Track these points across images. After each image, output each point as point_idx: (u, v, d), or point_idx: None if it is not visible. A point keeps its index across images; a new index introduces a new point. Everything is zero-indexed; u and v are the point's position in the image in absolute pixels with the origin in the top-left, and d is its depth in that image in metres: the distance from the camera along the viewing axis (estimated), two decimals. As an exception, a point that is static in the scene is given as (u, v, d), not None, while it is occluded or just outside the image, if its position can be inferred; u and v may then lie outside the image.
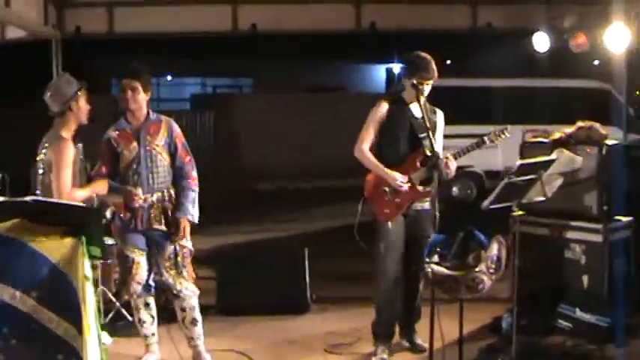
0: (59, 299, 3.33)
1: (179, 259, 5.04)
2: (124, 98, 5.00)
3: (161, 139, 5.05)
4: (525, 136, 9.07)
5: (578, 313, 5.63)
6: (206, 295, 6.61)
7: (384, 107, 5.28)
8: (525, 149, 6.07)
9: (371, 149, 5.28)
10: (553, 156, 4.85)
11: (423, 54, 5.21)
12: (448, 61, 19.87)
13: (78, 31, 8.28)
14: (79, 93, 4.77)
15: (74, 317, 3.31)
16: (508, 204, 4.70)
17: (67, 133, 4.75)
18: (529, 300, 5.61)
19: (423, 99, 5.10)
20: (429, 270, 4.30)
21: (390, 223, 5.17)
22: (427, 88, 5.17)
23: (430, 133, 4.98)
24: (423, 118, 5.04)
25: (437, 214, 4.84)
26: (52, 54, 8.16)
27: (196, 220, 5.14)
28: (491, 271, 4.21)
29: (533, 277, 5.71)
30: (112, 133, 5.07)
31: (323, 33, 9.14)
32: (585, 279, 5.67)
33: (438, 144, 5.22)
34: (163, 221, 5.02)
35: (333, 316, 6.40)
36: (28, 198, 3.61)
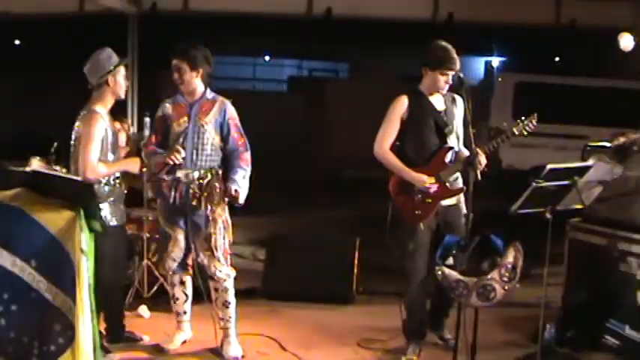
0: (57, 270, 3.38)
1: (213, 241, 5.04)
2: (173, 79, 5.03)
3: (212, 118, 5.03)
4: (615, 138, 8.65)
5: (628, 331, 5.29)
6: (256, 278, 6.71)
7: (404, 102, 5.05)
8: (587, 153, 5.78)
9: (391, 148, 5.05)
10: (589, 162, 4.56)
11: (444, 43, 4.99)
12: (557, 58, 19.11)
13: (154, 8, 8.39)
14: (117, 68, 4.82)
15: (70, 290, 3.35)
16: (540, 209, 4.45)
17: (102, 107, 4.80)
18: (576, 311, 5.35)
19: (445, 90, 4.95)
20: (440, 273, 4.13)
21: (421, 224, 4.98)
22: (449, 80, 4.98)
23: (457, 127, 4.86)
24: (446, 110, 4.88)
25: (470, 213, 4.61)
26: (128, 29, 8.32)
27: (242, 196, 5.01)
28: (505, 279, 4.00)
29: (582, 288, 5.44)
30: (167, 105, 5.09)
31: (399, 21, 8.90)
32: (639, 295, 5.34)
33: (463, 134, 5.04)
34: (202, 201, 5.00)
35: (377, 310, 6.26)
36: (28, 168, 3.66)
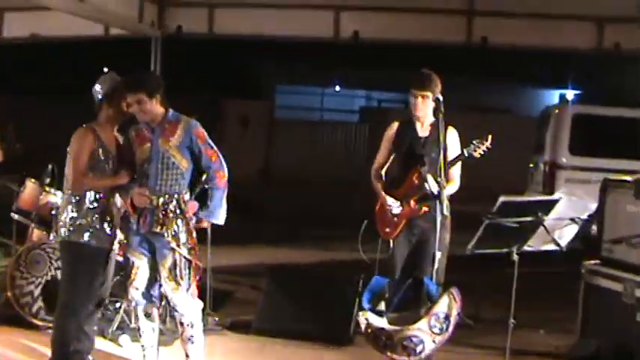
0: None
1: (177, 270, 4.71)
2: (134, 113, 4.77)
3: (177, 141, 4.75)
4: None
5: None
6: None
7: (393, 127, 5.30)
8: (607, 187, 5.18)
9: (387, 170, 5.32)
10: (555, 196, 3.97)
11: (425, 70, 5.07)
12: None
13: (179, 31, 8.24)
14: (114, 93, 4.81)
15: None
16: (500, 249, 3.90)
17: (99, 126, 4.84)
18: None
19: (422, 115, 5.04)
20: (364, 319, 3.60)
21: (391, 241, 5.08)
22: (419, 103, 5.03)
23: (434, 151, 4.79)
24: (429, 137, 4.96)
25: (438, 251, 4.15)
26: (151, 52, 8.18)
27: (220, 222, 4.85)
28: (436, 331, 3.44)
29: (597, 335, 4.88)
30: (131, 132, 4.86)
31: (430, 44, 8.44)
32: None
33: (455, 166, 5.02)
34: (166, 227, 4.70)
35: (375, 354, 5.77)
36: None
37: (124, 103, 4.76)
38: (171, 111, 4.83)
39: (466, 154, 4.92)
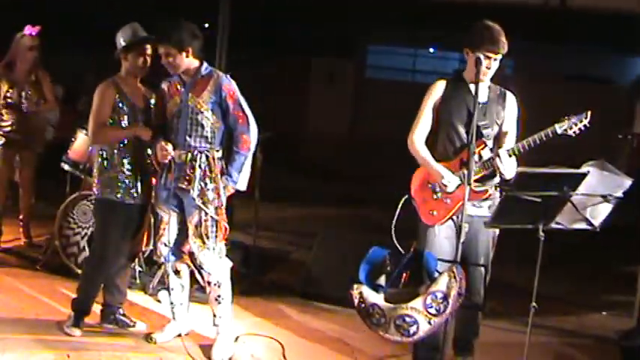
0: None
1: (203, 228, 4.60)
2: (164, 64, 4.65)
3: (207, 97, 4.60)
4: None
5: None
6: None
7: (439, 88, 4.43)
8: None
9: (427, 140, 4.42)
10: (583, 169, 3.52)
11: (491, 23, 4.23)
12: None
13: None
14: (130, 47, 4.76)
15: None
16: (526, 226, 3.52)
17: (123, 77, 4.82)
18: None
19: (487, 78, 4.20)
20: (357, 293, 3.33)
21: (436, 228, 4.26)
22: (494, 65, 4.23)
23: (496, 121, 4.16)
24: (487, 102, 4.15)
25: (465, 223, 3.77)
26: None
27: (242, 188, 4.72)
28: (432, 311, 3.14)
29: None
30: (163, 85, 4.76)
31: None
32: None
33: (510, 136, 4.34)
34: (194, 184, 4.58)
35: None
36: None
37: (160, 52, 4.63)
38: (205, 65, 4.67)
39: (559, 131, 4.08)
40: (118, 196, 4.76)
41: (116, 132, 4.78)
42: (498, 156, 4.11)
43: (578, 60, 22.61)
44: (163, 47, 4.55)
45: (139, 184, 4.82)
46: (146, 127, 4.80)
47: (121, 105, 4.77)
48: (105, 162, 4.80)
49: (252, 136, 4.64)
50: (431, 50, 26.21)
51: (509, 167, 4.11)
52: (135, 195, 4.80)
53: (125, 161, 4.79)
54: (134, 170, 4.80)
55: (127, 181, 4.78)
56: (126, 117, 4.79)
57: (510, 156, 4.12)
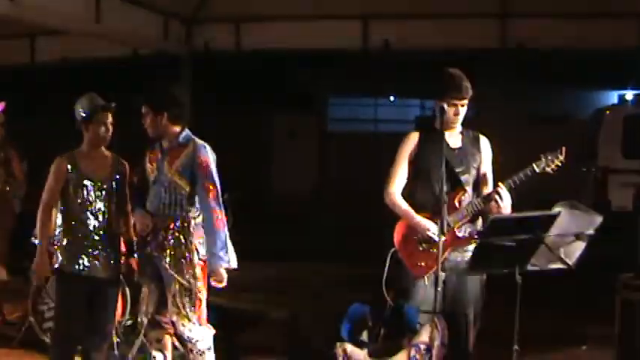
0: None
1: (179, 298, 4.55)
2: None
3: (179, 166, 4.59)
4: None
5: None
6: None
7: (414, 138, 4.45)
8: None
9: (404, 191, 4.41)
10: (554, 211, 3.57)
11: (453, 70, 4.31)
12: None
13: (207, 47, 8.17)
14: (94, 115, 4.56)
15: None
16: (502, 271, 3.56)
17: (79, 152, 4.60)
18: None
19: (458, 125, 4.27)
20: (341, 352, 3.31)
21: (425, 279, 4.18)
22: (462, 110, 4.28)
23: (472, 166, 4.20)
24: (461, 149, 4.21)
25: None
26: (181, 69, 8.12)
27: (233, 265, 4.56)
28: None
29: (634, 352, 4.56)
30: (148, 151, 4.78)
31: (460, 50, 8.12)
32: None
33: (489, 176, 4.38)
34: (165, 252, 4.56)
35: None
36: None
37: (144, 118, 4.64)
38: (185, 132, 4.67)
39: (537, 170, 4.12)
40: (80, 268, 4.51)
41: (41, 228, 4.59)
42: (498, 193, 4.11)
43: (534, 99, 23.00)
44: (143, 107, 4.61)
45: (109, 254, 4.58)
46: (43, 262, 4.59)
47: (76, 180, 4.54)
48: (67, 233, 4.58)
49: (220, 210, 4.54)
50: (391, 98, 26.52)
51: (508, 203, 4.10)
52: (99, 267, 4.55)
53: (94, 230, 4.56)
54: (105, 241, 4.58)
55: (94, 252, 4.53)
56: (83, 191, 4.54)
57: (509, 191, 4.13)
